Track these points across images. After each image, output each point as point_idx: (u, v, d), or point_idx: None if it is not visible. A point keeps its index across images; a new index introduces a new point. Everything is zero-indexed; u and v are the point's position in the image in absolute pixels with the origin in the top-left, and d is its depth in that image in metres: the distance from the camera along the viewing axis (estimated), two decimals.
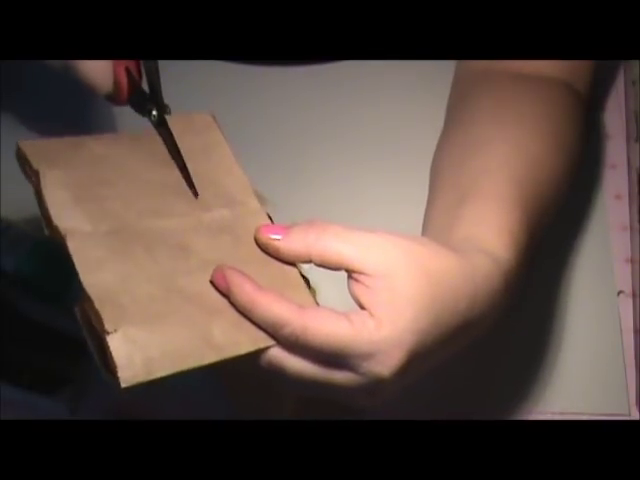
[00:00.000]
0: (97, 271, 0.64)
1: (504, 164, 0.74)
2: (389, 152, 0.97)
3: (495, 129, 0.77)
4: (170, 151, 0.72)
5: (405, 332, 0.62)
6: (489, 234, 0.69)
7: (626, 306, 0.91)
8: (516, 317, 0.88)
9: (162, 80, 0.75)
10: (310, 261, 0.65)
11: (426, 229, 0.73)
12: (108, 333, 0.61)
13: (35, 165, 0.67)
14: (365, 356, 0.62)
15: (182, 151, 0.72)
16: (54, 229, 0.66)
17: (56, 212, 0.66)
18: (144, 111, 0.74)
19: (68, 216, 0.66)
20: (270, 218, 0.71)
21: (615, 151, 0.99)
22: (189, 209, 0.69)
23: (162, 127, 0.73)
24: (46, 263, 0.91)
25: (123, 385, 0.60)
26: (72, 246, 0.64)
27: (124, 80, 0.74)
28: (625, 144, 0.99)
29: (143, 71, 0.75)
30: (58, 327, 0.87)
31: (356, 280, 0.64)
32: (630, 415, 0.86)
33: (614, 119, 1.00)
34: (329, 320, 0.62)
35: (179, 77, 0.99)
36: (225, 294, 0.64)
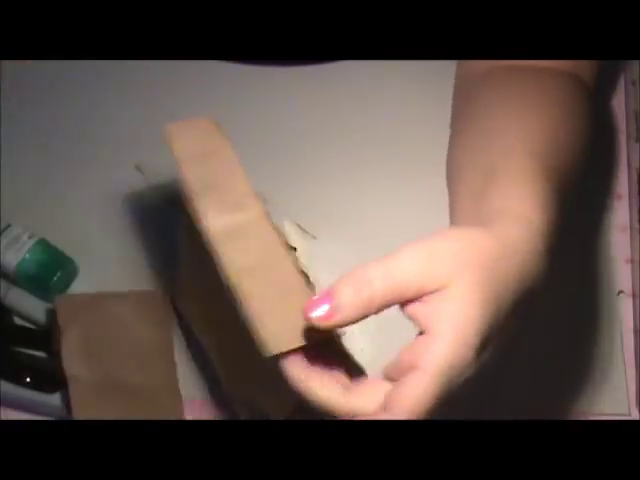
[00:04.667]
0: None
1: (521, 144, 0.74)
2: (390, 152, 0.97)
3: (508, 117, 0.77)
4: None
5: (469, 349, 0.62)
6: (518, 203, 0.69)
7: (626, 306, 0.91)
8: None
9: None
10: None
11: (455, 219, 0.73)
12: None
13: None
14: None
15: (185, 158, 0.70)
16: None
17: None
18: None
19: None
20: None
21: (615, 151, 0.99)
22: None
23: None
24: (46, 262, 0.92)
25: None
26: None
27: None
28: (625, 144, 0.99)
29: None
30: None
31: (412, 301, 0.63)
32: (630, 415, 0.86)
33: (614, 119, 1.00)
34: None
35: (180, 77, 0.99)
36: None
